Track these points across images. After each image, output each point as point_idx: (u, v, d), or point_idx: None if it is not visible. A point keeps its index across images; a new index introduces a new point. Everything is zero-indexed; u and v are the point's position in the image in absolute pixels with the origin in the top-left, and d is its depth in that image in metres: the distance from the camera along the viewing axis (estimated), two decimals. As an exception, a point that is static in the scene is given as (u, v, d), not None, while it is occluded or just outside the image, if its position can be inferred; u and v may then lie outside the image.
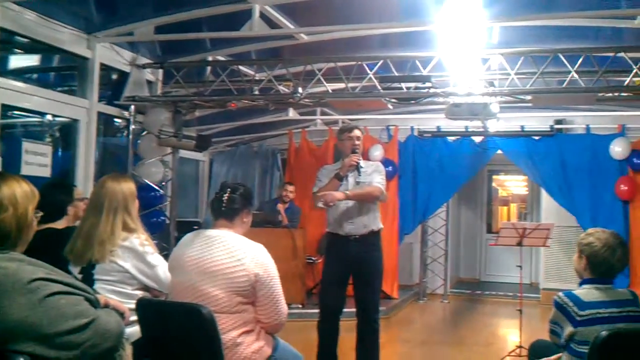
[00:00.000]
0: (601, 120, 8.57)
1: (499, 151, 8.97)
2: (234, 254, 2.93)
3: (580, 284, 3.10)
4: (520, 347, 5.94)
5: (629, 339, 2.79)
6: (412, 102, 6.00)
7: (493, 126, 8.29)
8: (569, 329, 2.92)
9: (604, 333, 2.67)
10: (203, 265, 2.93)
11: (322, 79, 6.23)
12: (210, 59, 6.96)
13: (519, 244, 6.20)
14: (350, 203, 4.60)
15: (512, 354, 6.02)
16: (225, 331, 2.82)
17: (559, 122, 9.00)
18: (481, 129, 8.44)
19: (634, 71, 5.40)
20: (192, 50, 6.84)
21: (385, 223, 9.08)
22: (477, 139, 8.94)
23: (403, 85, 5.88)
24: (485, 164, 9.57)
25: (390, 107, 6.31)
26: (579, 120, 8.87)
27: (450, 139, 9.07)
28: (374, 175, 4.67)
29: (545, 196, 9.70)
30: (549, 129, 8.79)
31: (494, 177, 13.00)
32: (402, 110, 8.79)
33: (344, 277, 4.69)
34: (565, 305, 2.95)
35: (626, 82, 5.53)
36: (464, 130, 8.73)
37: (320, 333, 4.74)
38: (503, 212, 14.13)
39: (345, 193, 4.52)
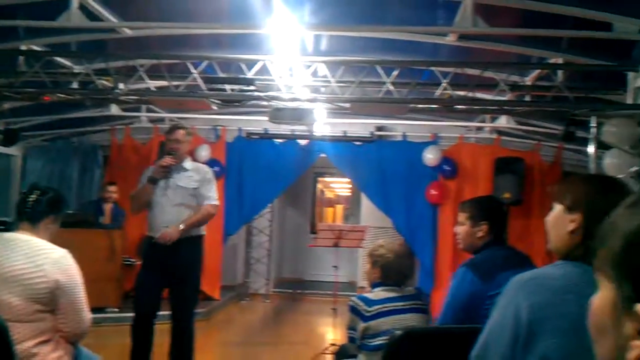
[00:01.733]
0: (418, 128, 9.10)
1: (324, 154, 9.26)
2: (33, 258, 2.75)
3: (372, 287, 3.34)
4: (333, 344, 6.16)
5: (420, 337, 3.00)
6: (237, 104, 5.99)
7: (319, 130, 8.55)
8: (361, 326, 3.14)
9: (398, 332, 2.85)
10: (-1, 270, 2.72)
11: (145, 76, 6.04)
12: (24, 48, 6.47)
13: (336, 245, 6.44)
14: (168, 207, 4.50)
15: (326, 351, 6.23)
16: (20, 341, 2.63)
17: (380, 129, 9.46)
18: (307, 133, 8.65)
19: (443, 85, 5.80)
20: (5, 38, 6.32)
21: (210, 224, 9.02)
22: (303, 142, 9.14)
23: (228, 86, 5.86)
24: (309, 167, 9.79)
25: (215, 107, 6.26)
26: (399, 127, 9.36)
27: (277, 141, 9.19)
28: (205, 186, 4.61)
29: (365, 199, 10.16)
30: (369, 135, 9.20)
31: (320, 179, 13.37)
32: (230, 111, 8.76)
33: (158, 281, 4.57)
34: (356, 306, 3.20)
35: (436, 95, 5.93)
36: (290, 133, 8.89)
37: (133, 337, 4.58)
38: (329, 214, 14.61)
39: (179, 227, 4.43)
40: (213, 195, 4.65)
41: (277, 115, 5.89)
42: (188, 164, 4.69)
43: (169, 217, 4.53)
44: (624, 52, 5.75)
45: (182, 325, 4.59)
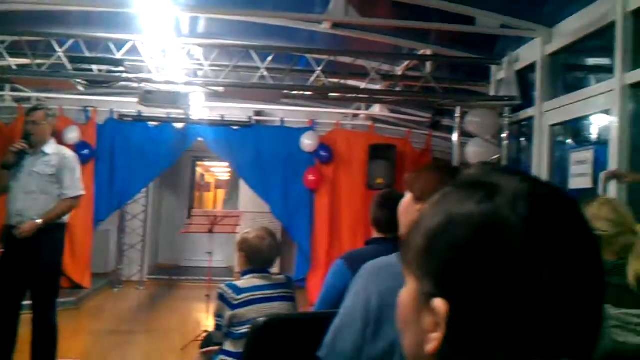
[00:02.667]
0: (296, 114, 9.15)
1: (201, 139, 9.11)
2: None
3: (242, 274, 3.35)
4: (205, 331, 6.11)
5: (283, 322, 3.04)
6: (105, 85, 5.76)
7: (196, 114, 8.38)
8: (228, 314, 3.13)
9: (261, 319, 2.87)
10: None
11: (5, 53, 5.67)
12: None
13: (210, 231, 6.38)
14: (20, 194, 4.27)
15: (199, 338, 6.16)
16: None
17: (258, 113, 9.42)
18: (183, 116, 8.47)
19: (317, 72, 5.86)
20: None
21: (80, 209, 8.68)
22: (179, 126, 8.94)
23: (95, 67, 5.61)
24: (185, 151, 9.59)
25: (81, 88, 5.98)
26: (278, 113, 9.37)
27: (152, 124, 8.93)
28: (66, 175, 4.35)
29: (243, 184, 10.11)
30: (247, 120, 9.15)
31: (200, 163, 13.17)
32: (102, 92, 8.40)
33: (18, 270, 4.33)
34: (224, 293, 3.19)
35: (309, 82, 5.99)
36: (165, 116, 8.66)
37: None
38: (210, 198, 14.43)
39: (37, 222, 4.20)
40: (75, 186, 4.40)
41: (148, 98, 5.72)
42: (50, 148, 4.41)
43: (21, 205, 4.28)
44: (488, 46, 6.07)
45: (42, 316, 4.37)
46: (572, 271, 0.65)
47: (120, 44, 5.79)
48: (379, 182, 8.43)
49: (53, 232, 4.37)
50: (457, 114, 6.17)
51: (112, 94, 8.63)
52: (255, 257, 3.29)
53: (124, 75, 5.63)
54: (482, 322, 0.65)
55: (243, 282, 3.24)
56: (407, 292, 0.75)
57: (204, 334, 6.08)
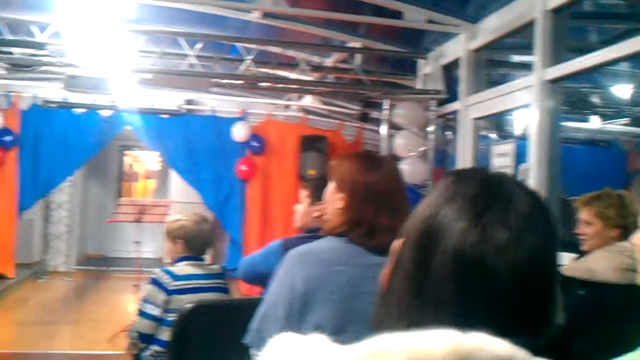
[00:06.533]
0: (227, 104, 9.10)
1: (129, 127, 8.93)
2: None
3: (175, 262, 3.31)
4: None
5: (210, 308, 3.05)
6: (27, 69, 5.58)
7: (124, 101, 8.19)
8: (162, 297, 3.10)
9: (188, 305, 2.88)
10: None
11: None
12: None
13: (138, 220, 6.29)
14: None
15: (126, 328, 6.08)
16: None
17: (189, 102, 9.30)
18: (110, 103, 8.27)
19: (246, 61, 5.85)
20: None
21: (2, 197, 8.42)
22: (106, 113, 8.73)
23: (16, 50, 5.43)
24: (112, 139, 9.38)
25: (2, 72, 5.77)
26: (209, 102, 9.28)
27: (77, 111, 8.68)
28: None
29: (174, 173, 9.98)
30: (177, 108, 9.02)
31: (128, 152, 12.91)
32: (25, 77, 8.12)
33: None
34: (158, 278, 3.14)
35: (239, 71, 5.97)
36: (91, 103, 8.44)
37: None
38: (139, 188, 14.16)
39: None
40: None
41: (72, 83, 5.58)
42: None
43: None
44: (415, 40, 6.20)
45: None
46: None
47: (43, 27, 5.61)
48: (311, 173, 8.49)
49: None
50: (385, 106, 6.28)
51: (36, 79, 8.36)
52: (195, 244, 3.27)
53: (47, 59, 5.47)
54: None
55: (178, 269, 3.22)
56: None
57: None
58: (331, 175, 1.94)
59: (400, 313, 0.76)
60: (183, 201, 9.57)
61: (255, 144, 8.97)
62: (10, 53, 5.45)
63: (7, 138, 8.38)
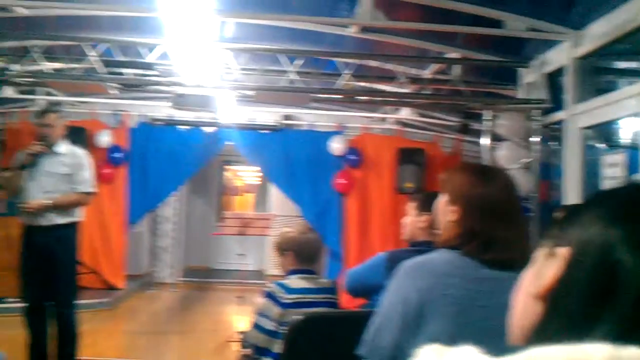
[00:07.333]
0: (324, 118, 9.21)
1: (231, 142, 9.21)
2: None
3: (288, 274, 3.34)
4: (240, 332, 6.16)
5: (320, 321, 3.07)
6: (137, 88, 5.88)
7: (225, 118, 8.47)
8: (277, 311, 3.11)
9: (298, 317, 2.91)
10: None
11: (40, 57, 5.82)
12: None
13: (242, 233, 6.46)
14: (38, 194, 4.41)
15: (232, 339, 6.24)
16: None
17: (287, 117, 9.49)
18: (213, 120, 8.57)
19: (344, 75, 5.90)
20: None
21: (113, 211, 8.88)
22: (209, 130, 9.05)
23: (127, 70, 5.74)
24: (215, 155, 9.71)
25: (113, 92, 6.11)
26: (306, 117, 9.43)
27: (182, 128, 9.05)
28: (78, 172, 4.49)
29: (273, 187, 10.19)
30: (276, 124, 9.22)
31: (228, 167, 13.28)
32: (134, 96, 8.56)
33: (38, 268, 4.46)
34: (272, 292, 3.15)
35: (338, 85, 6.04)
36: (196, 120, 8.78)
37: (27, 326, 4.50)
38: (238, 202, 14.54)
39: (45, 202, 4.36)
40: (86, 182, 4.53)
41: (179, 101, 5.82)
42: (63, 147, 4.54)
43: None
44: (516, 48, 6.05)
45: (61, 314, 4.50)
46: None
47: (151, 48, 5.90)
48: (408, 186, 8.45)
49: (63, 230, 4.48)
50: (487, 117, 6.16)
51: (143, 98, 8.78)
52: (303, 253, 3.25)
53: (156, 78, 5.74)
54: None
55: (291, 282, 3.17)
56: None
57: (239, 335, 6.14)
58: (442, 188, 1.92)
59: (567, 326, 0.73)
60: (283, 215, 9.75)
61: (352, 157, 9.02)
62: (121, 74, 5.76)
63: (117, 155, 8.84)
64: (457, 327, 1.61)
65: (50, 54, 5.98)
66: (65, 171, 4.47)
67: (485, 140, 6.26)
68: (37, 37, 5.87)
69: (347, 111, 9.13)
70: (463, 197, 1.82)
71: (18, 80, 5.99)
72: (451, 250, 1.77)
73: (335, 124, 9.14)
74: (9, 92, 7.80)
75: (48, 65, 6.05)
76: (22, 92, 8.27)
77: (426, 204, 2.90)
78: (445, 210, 1.86)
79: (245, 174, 14.46)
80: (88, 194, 4.57)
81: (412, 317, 1.64)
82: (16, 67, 5.77)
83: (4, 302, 6.80)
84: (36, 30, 6.05)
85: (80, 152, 4.69)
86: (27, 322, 4.49)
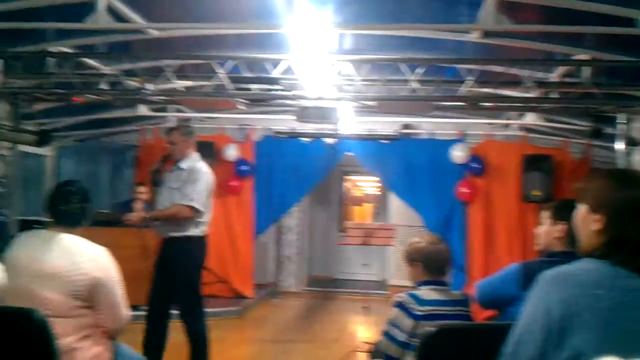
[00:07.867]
0: (444, 126, 9.09)
1: (351, 153, 9.30)
2: (72, 256, 2.85)
3: (418, 285, 3.30)
4: (367, 342, 6.17)
5: (454, 333, 3.02)
6: (262, 103, 6.09)
7: (345, 129, 8.58)
8: (409, 322, 3.06)
9: (432, 329, 2.86)
10: (38, 267, 2.82)
11: (172, 76, 6.15)
12: (53, 50, 6.63)
13: (365, 243, 6.49)
14: (159, 206, 4.66)
15: (358, 349, 6.26)
16: (62, 336, 2.68)
17: (406, 126, 9.45)
18: (333, 131, 8.69)
19: (466, 82, 5.80)
20: (34, 40, 6.46)
21: (241, 222, 9.21)
22: (330, 141, 9.18)
23: (254, 86, 5.95)
24: (335, 165, 9.83)
25: (241, 107, 6.36)
26: (425, 125, 9.35)
27: (304, 140, 9.24)
28: (185, 186, 4.58)
29: (392, 197, 10.16)
30: (396, 133, 9.20)
31: (348, 177, 13.40)
32: (258, 110, 8.86)
33: (159, 278, 4.71)
34: (405, 302, 3.10)
35: (460, 92, 5.94)
36: (317, 132, 8.93)
37: (145, 326, 4.75)
38: (357, 212, 14.62)
39: (145, 216, 4.71)
40: (190, 196, 4.54)
41: (303, 114, 5.96)
42: (185, 163, 4.70)
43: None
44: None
45: (187, 325, 4.67)
46: None
47: (275, 63, 6.08)
48: (535, 194, 8.16)
49: (182, 244, 4.62)
50: (621, 120, 5.84)
51: (267, 112, 9.07)
52: (433, 264, 3.21)
53: (281, 92, 5.91)
54: None
55: (423, 293, 3.13)
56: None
57: (365, 345, 6.15)
58: (580, 197, 1.85)
59: None
60: (403, 224, 9.70)
61: (475, 165, 8.84)
62: (248, 89, 5.98)
63: (244, 168, 9.18)
64: (603, 341, 1.55)
65: (181, 73, 6.30)
66: (177, 186, 4.62)
67: (619, 145, 5.93)
68: (169, 57, 6.21)
69: (467, 118, 8.96)
70: (607, 204, 1.74)
71: (152, 98, 6.34)
72: (596, 260, 1.70)
73: (455, 131, 9.00)
74: (144, 110, 8.30)
75: (180, 84, 6.38)
76: (155, 110, 8.79)
77: (561, 213, 2.80)
78: (587, 220, 1.79)
79: (364, 184, 14.52)
80: (187, 207, 4.53)
81: (555, 330, 1.59)
82: (150, 87, 6.11)
83: (139, 310, 7.19)
84: (168, 51, 6.41)
85: (198, 167, 4.72)
86: (145, 327, 4.73)
